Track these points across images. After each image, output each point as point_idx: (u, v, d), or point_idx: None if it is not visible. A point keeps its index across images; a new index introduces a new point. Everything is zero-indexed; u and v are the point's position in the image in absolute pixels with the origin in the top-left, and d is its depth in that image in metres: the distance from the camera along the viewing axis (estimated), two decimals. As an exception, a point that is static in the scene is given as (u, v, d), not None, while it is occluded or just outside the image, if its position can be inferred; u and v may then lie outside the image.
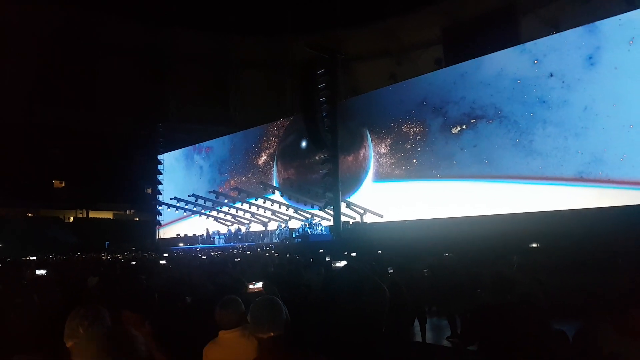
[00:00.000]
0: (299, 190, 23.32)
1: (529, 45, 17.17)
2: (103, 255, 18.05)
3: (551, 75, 16.27)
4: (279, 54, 33.67)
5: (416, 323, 7.49)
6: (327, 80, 19.79)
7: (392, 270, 7.32)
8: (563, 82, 15.98)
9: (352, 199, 21.82)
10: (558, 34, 16.82)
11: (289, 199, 23.89)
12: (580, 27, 15.93)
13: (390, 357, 3.24)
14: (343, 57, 22.13)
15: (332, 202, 19.79)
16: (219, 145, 31.66)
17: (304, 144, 24.86)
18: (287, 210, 24.62)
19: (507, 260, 7.76)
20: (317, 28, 29.57)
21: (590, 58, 15.36)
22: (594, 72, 15.26)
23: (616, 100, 14.55)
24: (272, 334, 2.15)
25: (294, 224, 23.77)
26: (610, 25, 15.14)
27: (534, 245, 11.74)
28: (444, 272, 7.98)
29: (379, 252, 10.53)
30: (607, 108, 14.77)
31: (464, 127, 18.71)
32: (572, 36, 16.05)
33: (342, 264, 7.07)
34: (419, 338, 7.43)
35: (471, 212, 17.01)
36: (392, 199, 20.65)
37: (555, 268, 8.88)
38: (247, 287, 4.65)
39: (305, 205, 23.24)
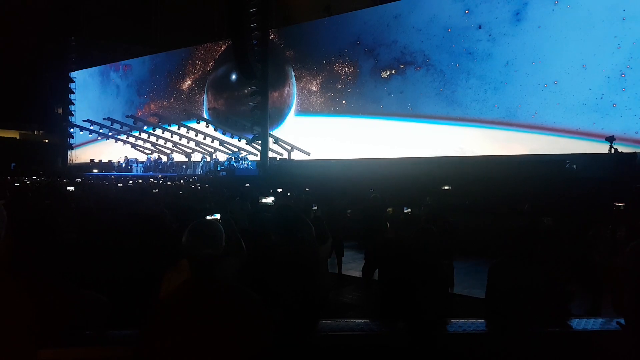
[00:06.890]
0: (226, 122, 22.79)
1: (463, -7, 17.32)
2: (9, 178, 16.68)
3: (480, 27, 16.69)
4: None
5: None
6: (258, 4, 18.79)
7: (315, 207, 7.57)
8: (490, 35, 16.48)
9: (276, 133, 21.74)
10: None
11: (216, 129, 23.29)
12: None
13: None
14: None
15: (260, 136, 19.56)
16: (138, 64, 29.65)
17: (234, 76, 24.02)
18: (212, 142, 24.05)
19: (420, 201, 8.22)
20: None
21: (517, 14, 15.88)
22: (519, 29, 15.80)
23: (535, 59, 15.29)
24: (209, 250, 1.84)
25: (220, 157, 23.39)
26: (540, -18, 15.45)
27: (446, 187, 12.36)
28: (362, 210, 8.41)
29: (307, 189, 10.73)
30: (526, 65, 15.49)
31: (393, 71, 18.96)
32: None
33: (269, 199, 7.17)
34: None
35: (392, 154, 17.68)
36: (317, 135, 20.84)
37: (464, 210, 9.61)
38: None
39: (232, 136, 22.82)
